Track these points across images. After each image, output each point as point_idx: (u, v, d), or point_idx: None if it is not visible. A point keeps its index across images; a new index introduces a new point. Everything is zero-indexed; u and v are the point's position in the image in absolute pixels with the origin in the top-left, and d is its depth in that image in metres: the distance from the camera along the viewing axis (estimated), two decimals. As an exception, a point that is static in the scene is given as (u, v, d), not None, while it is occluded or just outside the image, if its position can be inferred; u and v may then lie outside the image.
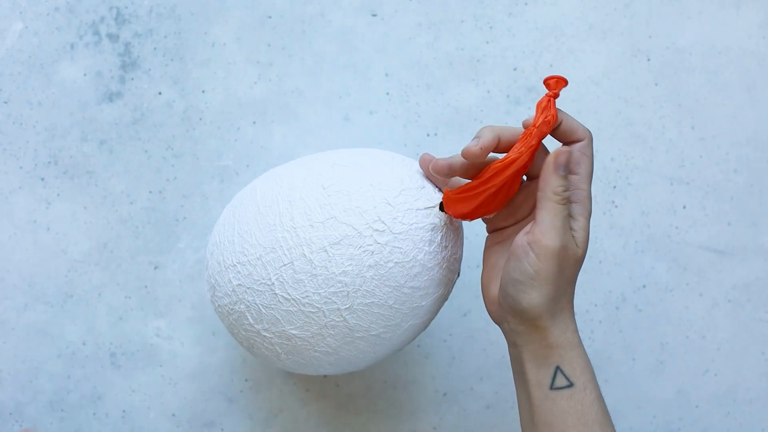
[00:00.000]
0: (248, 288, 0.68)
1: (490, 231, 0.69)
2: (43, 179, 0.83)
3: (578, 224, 0.64)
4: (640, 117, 0.83)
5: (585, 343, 0.83)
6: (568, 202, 0.63)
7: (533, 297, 0.62)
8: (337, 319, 0.66)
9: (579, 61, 0.83)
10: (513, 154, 0.63)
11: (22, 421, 0.84)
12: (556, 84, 0.63)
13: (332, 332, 0.67)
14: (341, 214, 0.65)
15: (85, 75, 0.83)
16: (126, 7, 0.83)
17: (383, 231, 0.65)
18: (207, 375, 0.84)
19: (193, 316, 0.83)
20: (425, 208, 0.67)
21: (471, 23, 0.83)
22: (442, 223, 0.67)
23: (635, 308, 0.84)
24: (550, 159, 0.63)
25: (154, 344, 0.84)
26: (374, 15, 0.83)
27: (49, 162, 0.83)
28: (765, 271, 0.83)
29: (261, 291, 0.67)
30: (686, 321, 0.84)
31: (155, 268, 0.83)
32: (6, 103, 0.83)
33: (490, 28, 0.83)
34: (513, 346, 0.66)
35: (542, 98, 0.63)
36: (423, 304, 0.68)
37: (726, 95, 0.83)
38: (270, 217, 0.67)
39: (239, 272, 0.68)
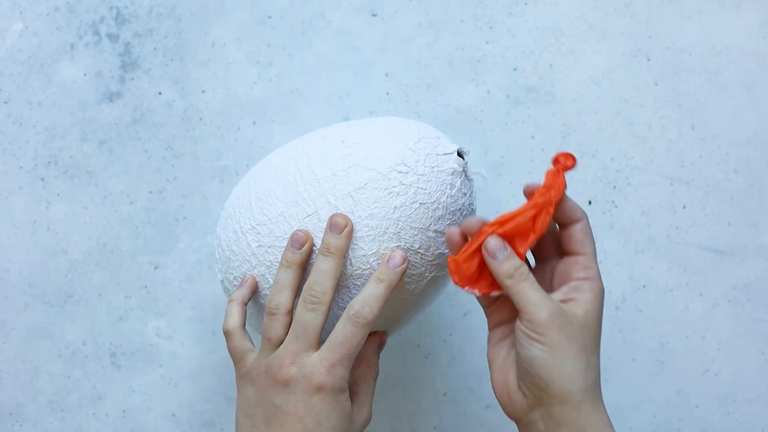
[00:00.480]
0: (269, 247, 0.67)
1: (492, 327, 0.67)
2: (43, 179, 0.83)
3: (583, 297, 0.63)
4: (640, 117, 0.83)
5: (585, 343, 0.83)
6: (526, 276, 0.63)
7: (555, 369, 0.61)
8: (364, 267, 0.66)
9: (579, 61, 0.83)
10: (514, 212, 0.64)
11: (23, 420, 0.84)
12: (565, 160, 0.64)
13: (358, 283, 0.67)
14: (364, 161, 0.66)
15: (85, 75, 0.83)
16: (126, 7, 0.83)
17: (407, 173, 0.66)
18: (207, 375, 0.84)
19: (193, 316, 0.84)
20: (444, 154, 0.68)
21: (471, 23, 0.83)
22: (461, 170, 0.68)
23: (635, 308, 0.84)
24: (485, 253, 0.63)
25: (154, 344, 0.84)
26: (374, 15, 0.83)
27: (49, 162, 0.83)
28: (765, 271, 0.84)
29: (283, 247, 0.67)
30: (686, 321, 0.84)
31: (155, 268, 0.83)
32: (6, 103, 0.83)
33: (490, 28, 0.83)
34: None
35: (552, 170, 0.64)
36: (445, 252, 0.68)
37: (726, 95, 0.83)
38: (290, 175, 0.68)
39: (259, 233, 0.68)
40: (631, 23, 0.83)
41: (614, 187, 0.83)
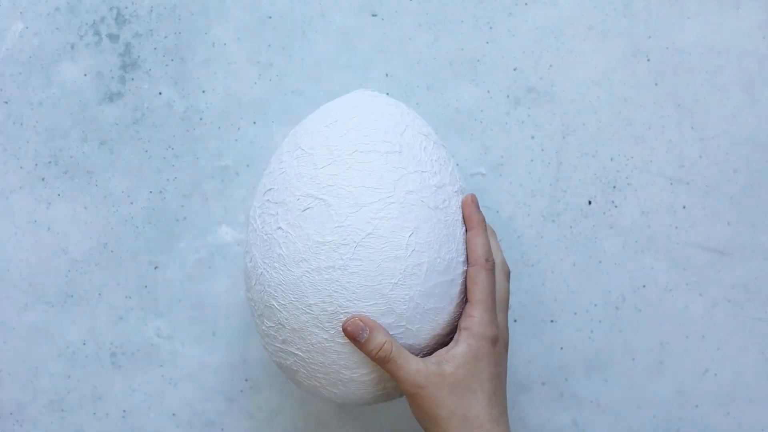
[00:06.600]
0: None
1: None
2: (43, 179, 0.84)
3: (456, 350, 0.66)
4: (639, 117, 0.83)
5: (585, 343, 0.83)
6: (389, 353, 0.64)
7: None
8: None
9: (579, 61, 0.83)
10: None
11: (23, 420, 0.84)
12: None
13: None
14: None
15: (85, 75, 0.83)
16: (126, 8, 0.83)
17: None
18: (207, 375, 0.84)
19: (193, 316, 0.84)
20: None
21: (471, 23, 0.83)
22: None
23: (635, 308, 0.84)
24: (346, 336, 0.66)
25: (154, 344, 0.84)
26: (374, 15, 0.84)
27: (50, 162, 0.84)
28: (764, 270, 0.84)
29: None
30: (686, 321, 0.84)
31: (155, 268, 0.84)
32: (7, 103, 0.83)
33: (490, 28, 0.83)
34: None
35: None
36: None
37: (725, 95, 0.83)
38: None
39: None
40: (631, 23, 0.83)
41: (614, 187, 0.83)
